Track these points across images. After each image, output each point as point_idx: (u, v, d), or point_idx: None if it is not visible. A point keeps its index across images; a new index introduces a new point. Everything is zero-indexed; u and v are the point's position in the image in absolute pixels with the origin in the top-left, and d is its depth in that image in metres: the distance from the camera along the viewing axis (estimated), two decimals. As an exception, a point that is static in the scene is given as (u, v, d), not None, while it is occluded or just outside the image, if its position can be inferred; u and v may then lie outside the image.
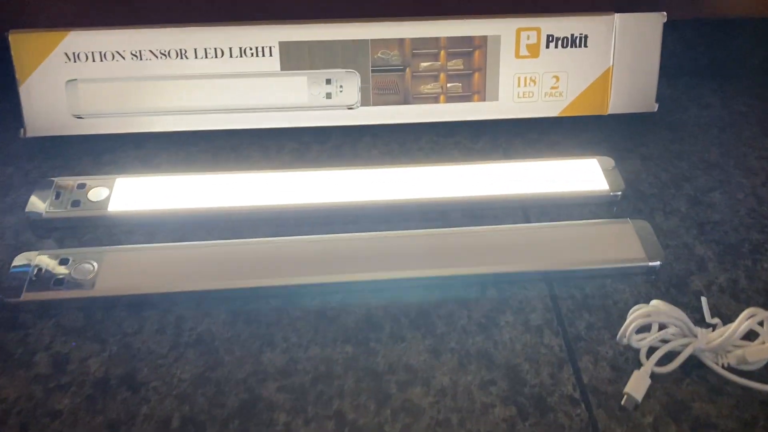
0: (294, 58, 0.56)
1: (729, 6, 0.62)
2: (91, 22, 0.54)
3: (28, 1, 0.55)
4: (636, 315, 0.45)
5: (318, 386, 0.43)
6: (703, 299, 0.47)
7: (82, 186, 0.54)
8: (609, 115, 0.60)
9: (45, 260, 0.49)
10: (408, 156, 0.59)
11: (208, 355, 0.45)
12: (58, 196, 0.53)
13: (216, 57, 0.56)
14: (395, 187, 0.55)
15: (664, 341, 0.45)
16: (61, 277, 0.48)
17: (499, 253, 0.51)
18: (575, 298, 0.49)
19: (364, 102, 0.58)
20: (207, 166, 0.58)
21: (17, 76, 0.55)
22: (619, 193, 0.56)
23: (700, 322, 0.47)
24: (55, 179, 0.54)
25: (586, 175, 0.57)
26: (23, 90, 0.55)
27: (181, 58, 0.55)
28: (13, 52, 0.54)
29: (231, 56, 0.56)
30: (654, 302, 0.45)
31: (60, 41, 0.54)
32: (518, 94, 0.59)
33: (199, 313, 0.47)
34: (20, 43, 0.54)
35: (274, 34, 0.55)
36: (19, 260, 0.49)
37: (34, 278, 0.48)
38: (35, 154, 0.58)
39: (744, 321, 0.44)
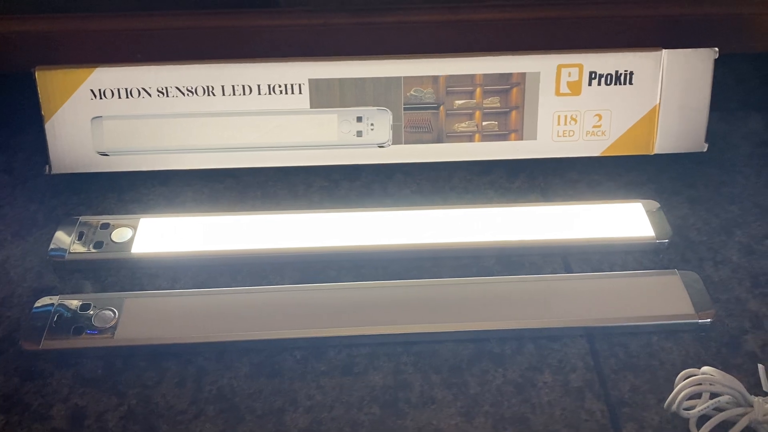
0: (324, 95, 0.54)
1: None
2: (117, 58, 0.53)
3: (55, 38, 0.54)
4: (685, 383, 0.41)
5: (343, 451, 0.41)
6: (761, 367, 0.43)
7: (105, 226, 0.53)
8: (655, 155, 0.57)
9: (66, 306, 0.47)
10: (440, 196, 0.57)
11: (229, 412, 0.43)
12: (81, 236, 0.52)
13: (244, 94, 0.54)
14: (427, 230, 0.53)
15: (718, 410, 0.41)
16: (79, 325, 0.46)
17: (537, 306, 0.48)
18: (618, 356, 0.46)
19: (396, 140, 0.56)
20: (233, 204, 0.56)
21: (43, 112, 0.54)
22: (666, 240, 0.52)
23: (756, 387, 0.43)
24: (79, 218, 0.53)
25: (630, 219, 0.54)
26: (49, 127, 0.55)
27: (208, 95, 0.54)
28: (39, 89, 0.53)
29: (259, 93, 0.54)
30: (705, 369, 0.42)
31: (86, 78, 0.53)
32: (558, 133, 0.56)
33: (221, 366, 0.45)
34: (46, 79, 0.53)
35: (303, 71, 0.54)
36: (40, 304, 0.48)
37: (54, 325, 0.46)
38: (60, 191, 0.57)
39: (806, 394, 0.41)
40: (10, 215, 0.56)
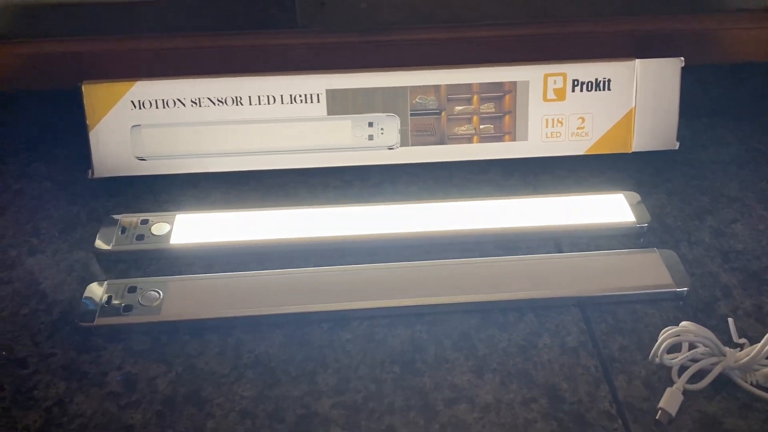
0: (339, 103, 0.61)
1: (741, 51, 0.67)
2: (156, 73, 0.60)
3: (101, 55, 0.61)
4: (667, 335, 0.47)
5: (369, 404, 0.46)
6: (730, 320, 0.50)
7: (145, 222, 0.59)
8: (633, 153, 0.64)
9: (115, 288, 0.53)
10: (443, 192, 0.64)
11: (267, 375, 0.48)
12: (123, 231, 0.58)
13: (268, 104, 0.61)
14: (433, 221, 0.59)
15: (694, 360, 0.47)
16: (129, 303, 0.52)
17: (535, 281, 0.54)
18: (607, 321, 0.52)
19: (404, 143, 0.63)
20: (257, 203, 0.62)
21: (87, 122, 0.60)
22: (645, 225, 0.59)
23: (728, 342, 0.49)
24: (121, 216, 0.59)
25: (613, 208, 0.60)
26: (92, 135, 0.61)
27: (237, 104, 0.61)
28: (85, 101, 0.60)
29: (282, 103, 0.61)
30: (684, 323, 0.48)
31: (127, 91, 0.60)
32: (546, 135, 0.63)
33: (257, 337, 0.51)
34: (92, 92, 0.60)
35: (321, 83, 0.60)
36: (91, 288, 0.53)
37: (105, 305, 0.52)
38: (99, 194, 0.63)
39: (769, 341, 0.47)
40: (55, 216, 0.61)
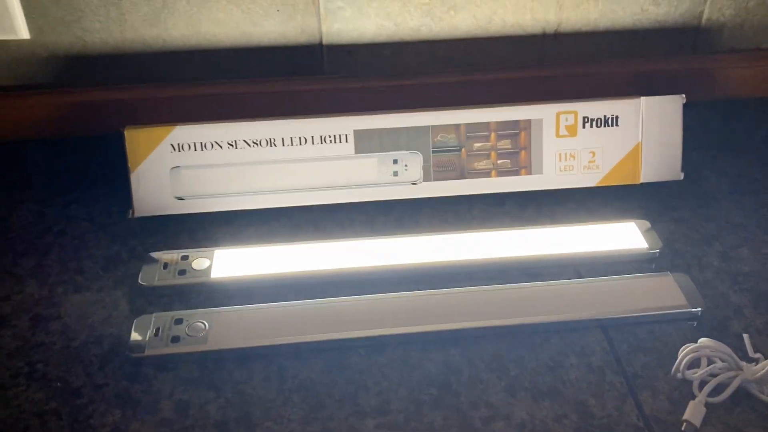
0: (366, 142, 0.65)
1: (737, 88, 0.71)
2: (194, 118, 0.64)
3: (142, 102, 0.65)
4: (687, 351, 0.51)
5: (411, 423, 0.49)
6: (745, 336, 0.53)
7: (185, 257, 0.62)
8: (641, 184, 0.68)
9: (162, 321, 0.56)
10: (464, 224, 0.67)
11: (311, 398, 0.51)
12: (165, 266, 0.61)
13: (299, 144, 0.65)
14: (456, 251, 0.62)
15: (713, 375, 0.51)
16: (177, 335, 0.55)
17: (558, 305, 0.58)
18: (629, 341, 0.55)
19: (426, 178, 0.66)
20: (288, 237, 0.65)
21: (129, 165, 0.64)
22: (657, 251, 0.63)
23: (744, 357, 0.52)
24: (162, 252, 0.62)
25: (626, 236, 0.64)
26: (133, 177, 0.64)
27: (270, 146, 0.64)
28: (127, 145, 0.63)
29: (312, 143, 0.65)
30: (702, 340, 0.51)
31: (167, 135, 0.64)
32: (560, 168, 0.67)
33: (299, 363, 0.54)
34: (133, 137, 0.64)
35: (349, 124, 0.65)
36: (140, 321, 0.56)
37: (154, 336, 0.54)
38: (137, 233, 0.66)
39: (783, 354, 0.50)
40: (97, 254, 0.64)
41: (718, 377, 0.50)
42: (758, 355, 0.52)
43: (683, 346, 0.51)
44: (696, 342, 0.52)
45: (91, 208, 0.69)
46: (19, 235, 0.66)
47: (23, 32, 0.63)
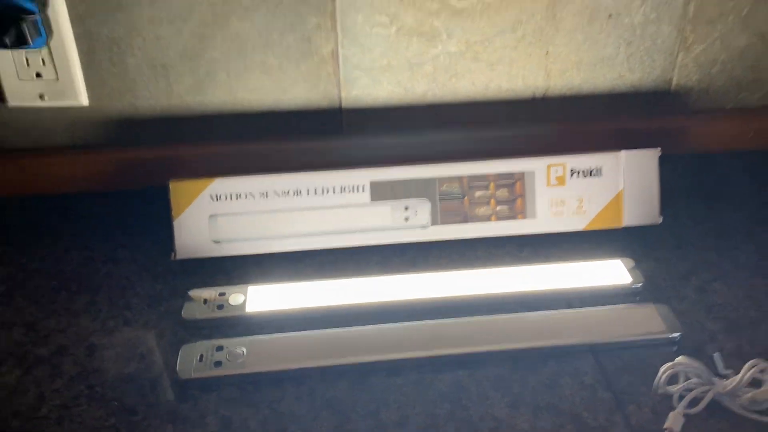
0: (380, 191, 0.74)
1: (707, 143, 0.81)
2: (231, 171, 0.73)
3: (185, 158, 0.74)
4: (666, 367, 0.58)
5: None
6: (716, 354, 0.61)
7: (222, 294, 0.69)
8: (624, 227, 0.77)
9: (205, 348, 0.63)
10: (469, 263, 0.75)
11: (338, 414, 0.58)
12: (205, 302, 0.69)
13: (323, 194, 0.73)
14: (461, 287, 0.70)
15: (689, 389, 0.58)
16: (218, 360, 0.62)
17: (553, 332, 0.65)
18: (616, 363, 0.62)
19: (434, 222, 0.75)
20: (313, 276, 0.73)
21: (172, 213, 0.72)
22: (640, 285, 0.71)
23: (716, 373, 0.60)
24: (202, 290, 0.70)
25: (612, 272, 0.72)
26: (176, 223, 0.73)
27: (297, 195, 0.73)
28: (171, 196, 0.72)
29: (333, 193, 0.74)
30: (679, 358, 0.59)
31: (207, 186, 0.72)
32: (552, 214, 0.76)
33: (326, 384, 0.61)
34: (177, 188, 0.72)
35: (365, 176, 0.73)
36: (186, 349, 0.63)
37: (198, 362, 0.62)
38: (177, 274, 0.74)
39: (749, 370, 0.58)
40: (141, 293, 0.72)
41: (693, 391, 0.58)
42: (729, 371, 0.60)
43: (663, 365, 0.59)
44: (674, 361, 0.60)
45: (136, 252, 0.77)
46: (73, 276, 0.74)
47: (84, 100, 0.73)
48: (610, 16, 0.74)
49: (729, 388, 0.57)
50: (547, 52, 0.75)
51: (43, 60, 0.70)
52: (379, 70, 0.75)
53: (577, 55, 0.76)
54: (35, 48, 0.67)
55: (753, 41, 0.77)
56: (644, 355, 0.63)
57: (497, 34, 0.73)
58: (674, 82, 0.79)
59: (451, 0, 0.71)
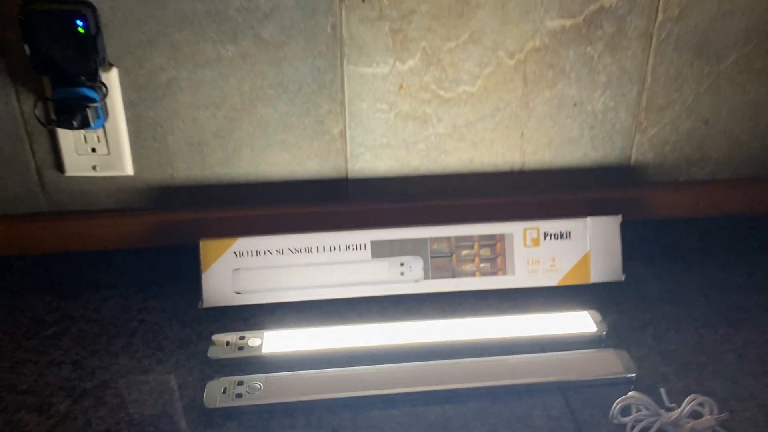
0: (380, 250, 0.86)
1: (663, 211, 0.93)
2: (253, 232, 0.85)
3: (214, 221, 0.87)
4: (619, 400, 0.69)
5: (417, 455, 0.66)
6: (662, 390, 0.71)
7: (242, 338, 0.80)
8: (591, 283, 0.88)
9: (227, 382, 0.74)
10: (456, 313, 0.86)
11: (342, 438, 0.68)
12: (227, 344, 0.80)
13: (330, 251, 0.85)
14: (449, 333, 0.81)
15: (639, 420, 0.68)
16: (239, 392, 0.73)
17: (527, 372, 0.76)
18: (580, 399, 0.73)
19: (426, 277, 0.86)
20: (321, 323, 0.84)
21: (201, 267, 0.84)
22: (604, 333, 0.82)
23: (663, 406, 0.70)
24: (225, 334, 0.81)
25: (580, 322, 0.83)
26: (204, 276, 0.84)
27: (308, 252, 0.85)
28: (201, 252, 0.84)
29: (339, 251, 0.85)
30: (631, 393, 0.69)
31: (232, 245, 0.84)
32: (528, 271, 0.88)
33: (331, 414, 0.71)
34: (206, 246, 0.84)
35: (367, 236, 0.85)
36: (211, 383, 0.74)
37: (222, 394, 0.72)
38: (204, 320, 0.85)
39: (689, 403, 0.68)
40: (171, 336, 0.83)
41: (643, 421, 0.68)
42: (673, 405, 0.70)
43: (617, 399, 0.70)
44: (626, 395, 0.70)
45: (168, 301, 0.89)
46: (111, 322, 0.85)
47: (130, 170, 0.86)
48: (575, 104, 0.87)
49: (672, 418, 0.67)
50: (522, 134, 0.88)
51: (98, 137, 0.83)
52: (379, 148, 0.88)
53: (548, 137, 0.89)
54: (94, 129, 0.81)
55: (698, 125, 0.91)
56: (604, 392, 0.73)
57: (479, 119, 0.87)
58: (633, 159, 0.92)
59: (440, 91, 0.85)
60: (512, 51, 0.83)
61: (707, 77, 0.88)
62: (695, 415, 0.68)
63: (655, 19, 0.83)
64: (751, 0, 0.83)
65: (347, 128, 0.86)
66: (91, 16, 0.75)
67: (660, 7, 0.82)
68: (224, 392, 0.73)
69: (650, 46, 0.85)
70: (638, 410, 0.69)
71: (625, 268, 0.88)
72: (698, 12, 0.83)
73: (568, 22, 0.82)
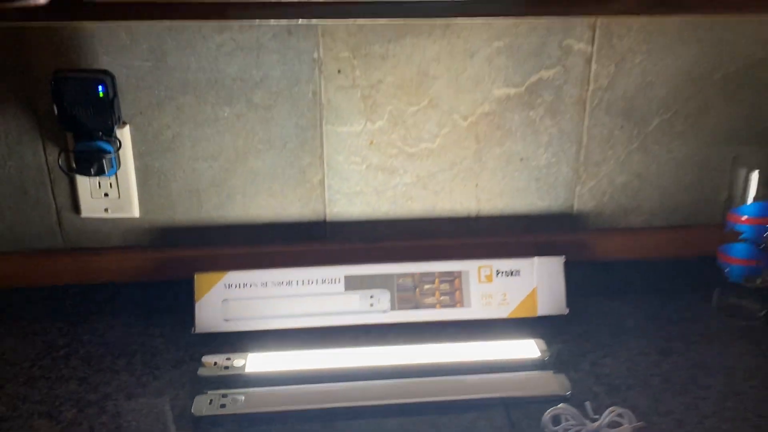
0: (352, 283, 0.98)
1: (602, 254, 1.06)
2: (241, 267, 0.97)
3: (207, 257, 0.99)
4: (551, 410, 0.80)
5: (374, 456, 0.77)
6: (587, 403, 0.82)
7: (228, 359, 0.92)
8: (538, 316, 1.00)
9: (214, 395, 0.85)
10: (420, 340, 0.98)
11: (311, 442, 0.79)
12: (215, 364, 0.91)
13: (308, 284, 0.97)
14: (414, 357, 0.92)
15: (567, 429, 0.79)
16: (224, 403, 0.84)
17: (477, 389, 0.87)
18: (521, 413, 0.83)
19: (392, 308, 0.98)
20: (298, 347, 0.96)
21: (195, 297, 0.96)
22: (547, 358, 0.93)
23: (588, 418, 0.81)
24: (213, 356, 0.93)
25: (527, 348, 0.95)
26: (197, 306, 0.96)
27: (288, 285, 0.97)
28: (195, 284, 0.96)
29: (317, 284, 0.98)
30: (560, 405, 0.81)
31: (222, 278, 0.97)
32: (483, 304, 1.00)
33: (304, 423, 0.82)
34: (200, 279, 0.97)
35: (341, 272, 0.98)
36: (200, 397, 0.85)
37: (209, 404, 0.83)
38: (196, 343, 0.97)
39: (608, 414, 0.79)
40: (167, 357, 0.94)
41: (570, 430, 0.79)
42: (597, 416, 0.81)
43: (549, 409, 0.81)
44: (557, 406, 0.81)
45: (165, 327, 1.00)
46: (115, 345, 0.97)
47: (136, 213, 0.99)
48: (521, 159, 1.01)
49: (594, 427, 0.78)
50: (477, 185, 1.02)
51: (110, 184, 0.97)
52: (353, 195, 1.01)
53: (499, 187, 1.03)
54: (108, 176, 0.94)
55: (631, 178, 1.05)
56: (541, 407, 0.84)
57: (439, 171, 1.01)
58: (575, 207, 1.05)
59: (405, 147, 0.99)
60: (465, 114, 0.98)
61: (636, 137, 1.02)
62: (615, 425, 0.79)
63: (588, 89, 0.98)
64: (669, 73, 0.98)
65: (326, 178, 1.00)
66: (110, 82, 0.90)
67: (591, 78, 0.97)
68: (210, 403, 0.84)
69: (585, 110, 0.99)
70: (567, 420, 0.80)
71: (569, 303, 1.00)
72: (624, 82, 0.98)
73: (512, 91, 0.97)
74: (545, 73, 0.96)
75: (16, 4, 0.52)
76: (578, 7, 0.69)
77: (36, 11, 0.53)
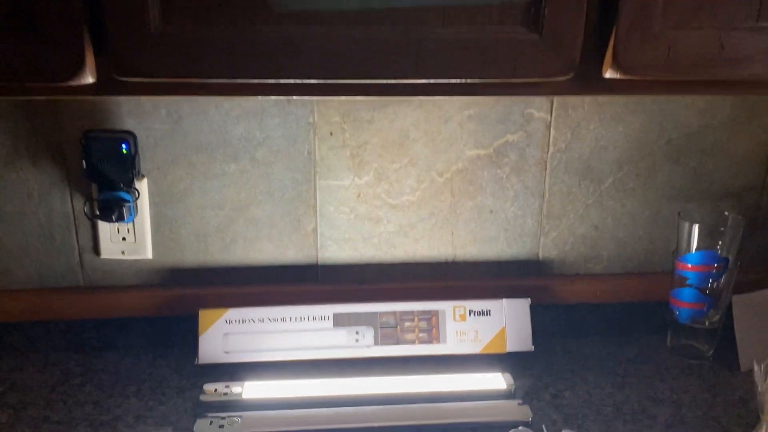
0: (340, 320, 1.09)
1: (565, 297, 1.18)
2: (240, 304, 1.09)
3: (211, 295, 1.11)
4: (511, 431, 0.91)
5: (355, 470, 0.87)
6: (543, 426, 0.93)
7: (227, 386, 1.02)
8: (507, 352, 1.11)
9: (214, 417, 0.95)
10: (401, 372, 1.09)
11: (299, 458, 0.89)
12: (215, 390, 1.02)
13: (300, 321, 1.09)
14: (394, 387, 1.03)
15: (527, 448, 0.90)
16: (222, 424, 0.94)
17: (450, 415, 0.97)
18: (486, 435, 0.94)
19: (376, 343, 1.09)
20: (291, 376, 1.07)
21: (199, 331, 1.08)
22: (513, 389, 1.04)
23: (548, 442, 0.92)
24: (214, 383, 1.03)
25: (495, 381, 1.06)
26: (201, 339, 1.07)
27: (281, 321, 1.09)
28: (199, 320, 1.08)
29: (308, 321, 1.09)
30: (520, 427, 0.91)
31: (224, 314, 1.08)
32: (457, 341, 1.11)
33: (293, 442, 0.92)
34: (204, 315, 1.08)
35: (330, 310, 1.09)
36: (201, 421, 0.95)
37: (209, 425, 0.94)
38: (199, 373, 1.08)
39: (563, 435, 0.90)
40: (172, 385, 1.05)
41: (529, 449, 0.89)
42: (553, 437, 0.92)
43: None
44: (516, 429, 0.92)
45: (171, 358, 1.12)
46: (126, 374, 1.07)
47: (149, 255, 1.11)
48: (491, 212, 1.14)
49: (549, 446, 0.89)
50: (452, 233, 1.15)
51: (128, 229, 1.09)
52: (343, 241, 1.14)
53: (472, 236, 1.15)
54: (126, 222, 1.07)
55: (590, 230, 1.18)
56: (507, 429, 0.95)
57: (419, 220, 1.14)
58: (540, 255, 1.18)
59: (389, 199, 1.12)
60: (441, 171, 1.11)
61: (593, 194, 1.15)
62: (568, 444, 0.90)
63: (548, 151, 1.12)
64: (621, 138, 1.13)
65: (318, 226, 1.13)
66: (133, 141, 1.04)
67: (551, 142, 1.11)
68: (210, 424, 0.94)
69: (546, 170, 1.13)
70: (525, 441, 0.90)
71: (535, 341, 1.12)
72: (580, 146, 1.12)
73: (482, 152, 1.11)
74: (510, 137, 1.10)
75: (71, 83, 0.65)
76: (513, 89, 0.79)
77: (86, 88, 0.66)
